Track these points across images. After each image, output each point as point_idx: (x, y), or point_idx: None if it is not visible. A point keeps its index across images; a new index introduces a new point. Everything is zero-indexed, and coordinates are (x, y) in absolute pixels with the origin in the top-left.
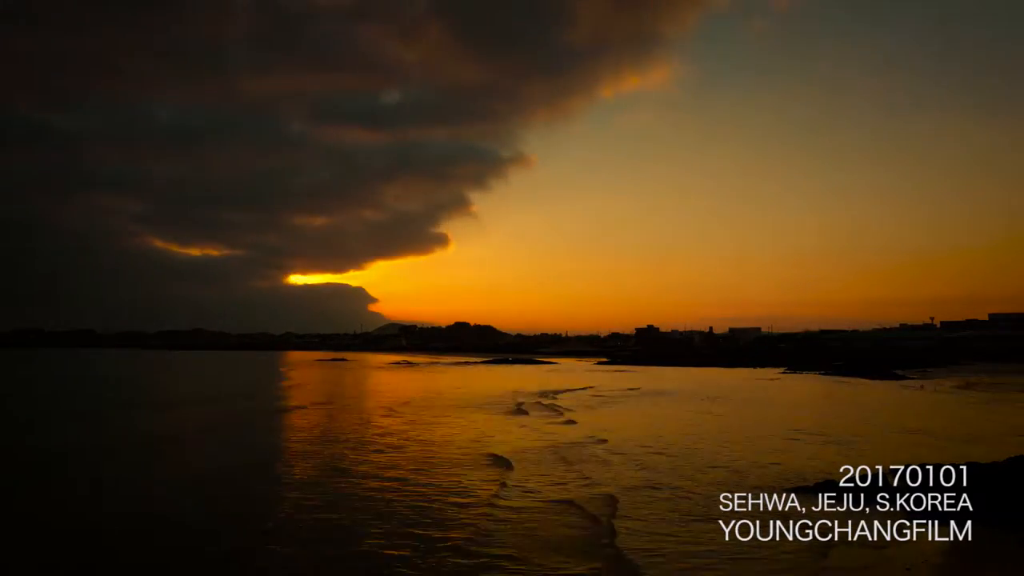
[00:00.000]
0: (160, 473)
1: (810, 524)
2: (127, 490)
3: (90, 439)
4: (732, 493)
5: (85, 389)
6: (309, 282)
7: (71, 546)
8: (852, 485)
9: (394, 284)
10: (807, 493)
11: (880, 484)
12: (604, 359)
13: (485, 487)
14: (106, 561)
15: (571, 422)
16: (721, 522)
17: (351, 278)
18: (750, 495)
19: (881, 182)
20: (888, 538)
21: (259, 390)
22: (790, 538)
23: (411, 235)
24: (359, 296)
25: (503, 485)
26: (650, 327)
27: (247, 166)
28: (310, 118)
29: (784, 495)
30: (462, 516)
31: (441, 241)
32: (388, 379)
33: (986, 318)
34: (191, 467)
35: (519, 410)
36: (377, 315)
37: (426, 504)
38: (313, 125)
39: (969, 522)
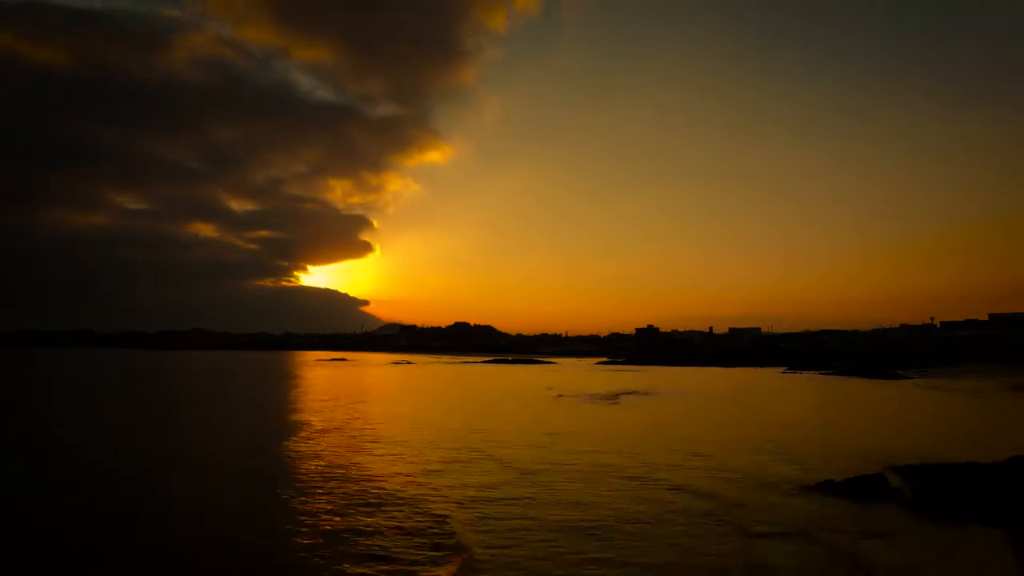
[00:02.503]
0: None
1: (811, 522)
2: None
3: None
4: (738, 491)
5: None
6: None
7: None
8: (852, 484)
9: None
10: (807, 492)
11: (881, 483)
12: (604, 359)
13: None
14: None
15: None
16: (725, 520)
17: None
18: (755, 493)
19: (882, 179)
20: (888, 537)
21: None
22: (791, 536)
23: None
24: (346, 298)
25: None
26: (650, 327)
27: None
28: None
29: (784, 494)
30: None
31: (367, 248)
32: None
33: (986, 318)
34: None
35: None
36: (369, 316)
37: None
38: None
39: (969, 521)
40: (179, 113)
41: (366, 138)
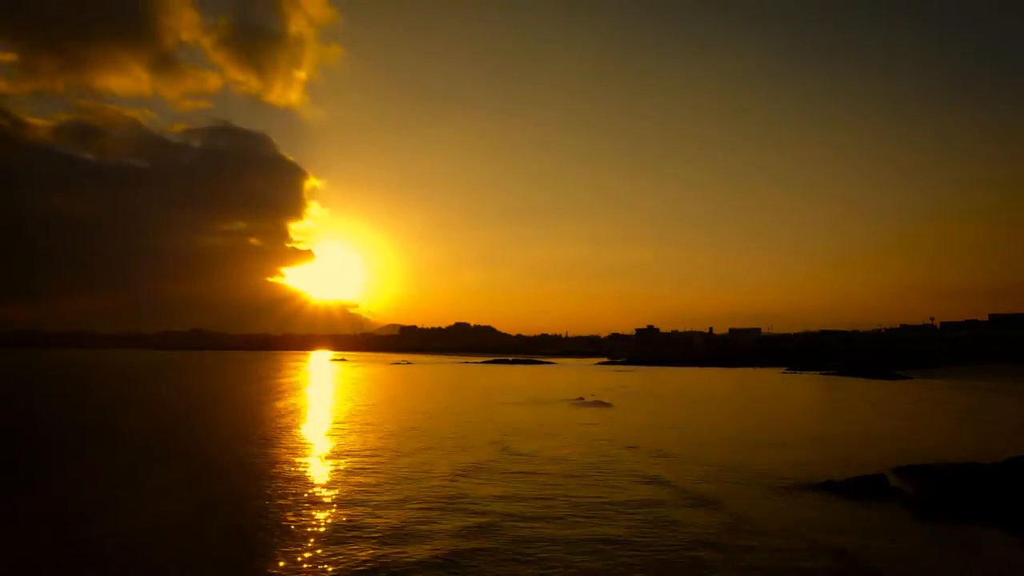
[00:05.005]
0: None
1: (812, 522)
2: None
3: None
4: (739, 491)
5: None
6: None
7: None
8: (853, 484)
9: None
10: (809, 492)
11: (881, 483)
12: (604, 359)
13: None
14: None
15: None
16: (726, 520)
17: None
18: (756, 493)
19: (880, 178)
20: (889, 537)
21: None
22: (792, 536)
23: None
24: (345, 300)
25: None
26: (650, 327)
27: None
28: None
29: (785, 494)
30: None
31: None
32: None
33: (986, 318)
34: None
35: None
36: (370, 317)
37: None
38: None
39: (969, 521)
40: None
41: None
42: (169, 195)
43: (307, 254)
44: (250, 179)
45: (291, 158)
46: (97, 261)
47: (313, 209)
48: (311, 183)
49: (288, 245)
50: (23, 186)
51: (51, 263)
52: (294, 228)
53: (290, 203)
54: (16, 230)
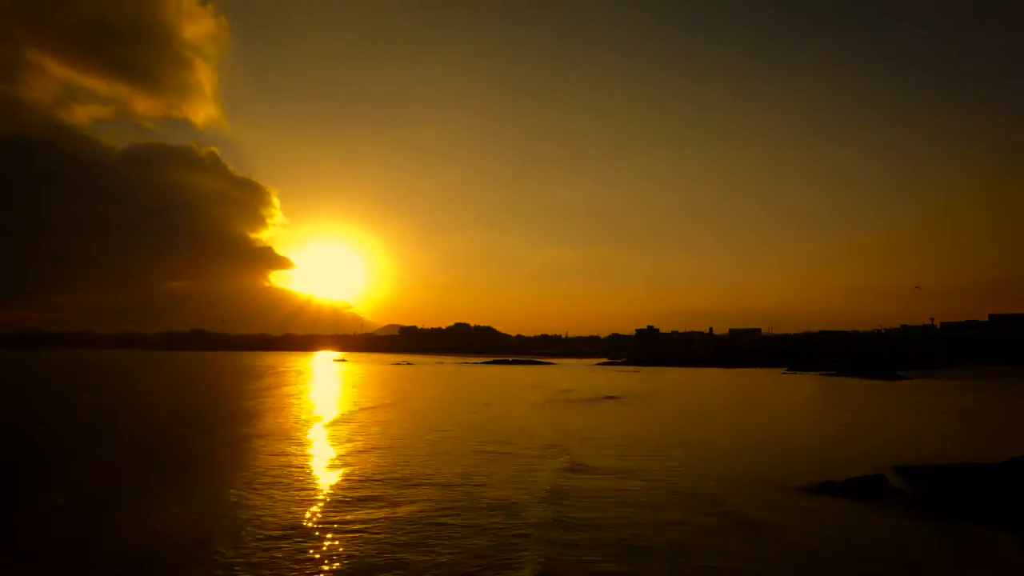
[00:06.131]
0: None
1: (812, 523)
2: None
3: None
4: (739, 492)
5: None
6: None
7: None
8: (853, 485)
9: None
10: (809, 493)
11: (881, 484)
12: (604, 360)
13: None
14: None
15: None
16: (726, 521)
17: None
18: (756, 494)
19: (875, 178)
20: (888, 537)
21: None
22: (791, 536)
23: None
24: (345, 300)
25: None
26: (650, 328)
27: None
28: None
29: (785, 495)
30: None
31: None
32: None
33: (986, 318)
34: None
35: None
36: (369, 317)
37: None
38: None
39: (969, 521)
40: None
41: None
42: (175, 201)
43: (301, 257)
44: (241, 187)
45: (263, 183)
46: (99, 262)
47: (308, 213)
48: (295, 191)
49: (284, 250)
50: (48, 189)
51: (54, 264)
52: (291, 231)
53: (284, 209)
54: (29, 232)
